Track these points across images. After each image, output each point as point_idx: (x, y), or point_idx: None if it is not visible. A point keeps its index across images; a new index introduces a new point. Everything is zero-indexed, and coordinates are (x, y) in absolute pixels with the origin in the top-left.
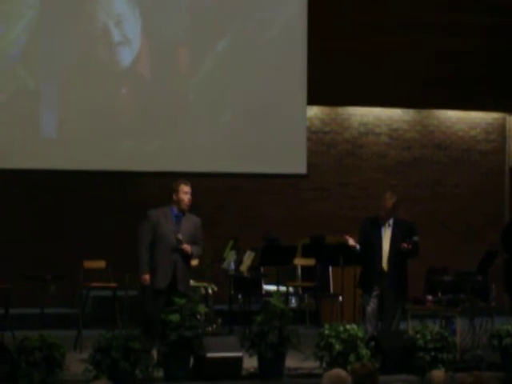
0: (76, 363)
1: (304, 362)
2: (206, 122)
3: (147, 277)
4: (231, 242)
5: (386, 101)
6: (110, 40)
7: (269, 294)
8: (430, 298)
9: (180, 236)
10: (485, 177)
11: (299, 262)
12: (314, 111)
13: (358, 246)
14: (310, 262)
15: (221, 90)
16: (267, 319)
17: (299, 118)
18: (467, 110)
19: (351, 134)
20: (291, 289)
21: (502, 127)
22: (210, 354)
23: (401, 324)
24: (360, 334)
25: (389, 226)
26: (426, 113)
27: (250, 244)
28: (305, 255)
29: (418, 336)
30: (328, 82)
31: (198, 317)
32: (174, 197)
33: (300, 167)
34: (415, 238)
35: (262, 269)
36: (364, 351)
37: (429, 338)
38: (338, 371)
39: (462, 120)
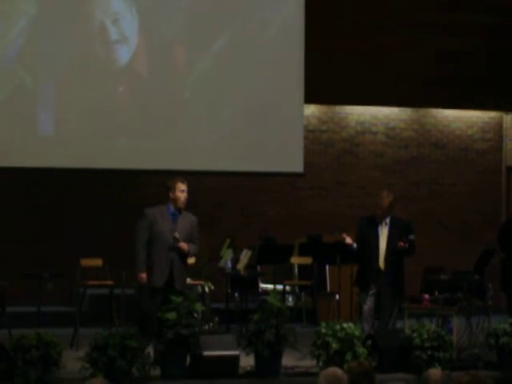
0: (73, 361)
1: (301, 361)
2: (203, 120)
3: (144, 275)
4: (228, 241)
5: (386, 100)
6: (107, 38)
7: (265, 292)
8: (426, 296)
9: (177, 234)
10: (482, 176)
11: (296, 260)
12: (311, 110)
13: (354, 245)
14: (307, 260)
15: (218, 88)
16: (264, 318)
17: (296, 116)
18: (467, 110)
19: (348, 133)
20: (288, 287)
21: (499, 126)
22: (206, 353)
23: (397, 323)
24: (357, 333)
25: (386, 224)
26: (423, 112)
27: (247, 242)
28: (302, 254)
29: (415, 335)
30: (327, 81)
31: (195, 315)
32: (171, 195)
33: (297, 166)
34: (411, 237)
35: (258, 267)
36: (361, 350)
37: (425, 336)
38: (335, 370)
39: (459, 119)
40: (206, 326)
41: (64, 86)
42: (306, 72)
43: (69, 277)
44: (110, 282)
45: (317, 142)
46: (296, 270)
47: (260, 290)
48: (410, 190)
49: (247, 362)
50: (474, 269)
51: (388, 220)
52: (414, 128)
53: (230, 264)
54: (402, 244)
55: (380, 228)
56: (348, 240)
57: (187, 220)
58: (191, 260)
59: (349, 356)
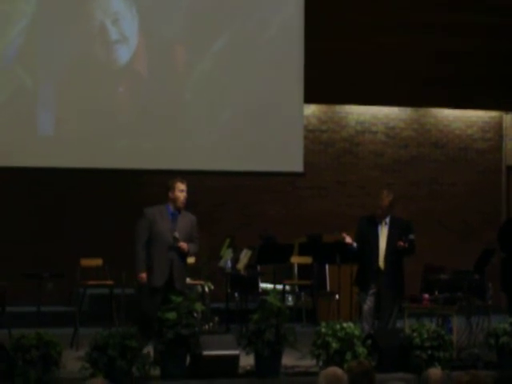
0: (73, 361)
1: (300, 360)
2: (203, 120)
3: (144, 275)
4: (228, 241)
5: (386, 100)
6: (107, 38)
7: (265, 292)
8: (426, 296)
9: (176, 234)
10: (482, 175)
11: (296, 260)
12: (311, 109)
13: (354, 244)
14: (307, 260)
15: (218, 88)
16: (264, 317)
17: (296, 116)
18: (467, 110)
19: (348, 133)
20: (288, 287)
21: (499, 126)
22: (206, 352)
23: (397, 322)
24: (357, 333)
25: (385, 224)
26: (422, 111)
27: (247, 242)
28: (301, 253)
29: (415, 334)
30: (327, 81)
31: (195, 315)
32: (170, 195)
33: (297, 165)
34: (411, 237)
35: (258, 267)
36: (360, 349)
37: (425, 336)
38: (335, 369)
39: (459, 118)
40: (206, 326)
41: (64, 86)
42: (305, 72)
43: (69, 277)
44: (110, 282)
45: (317, 142)
46: (296, 269)
47: (260, 290)
48: (409, 190)
49: (247, 361)
50: (474, 268)
51: (388, 220)
52: (414, 128)
53: (229, 264)
54: (401, 244)
55: (380, 228)
56: (348, 239)
57: (187, 219)
58: (191, 259)
59: (349, 356)
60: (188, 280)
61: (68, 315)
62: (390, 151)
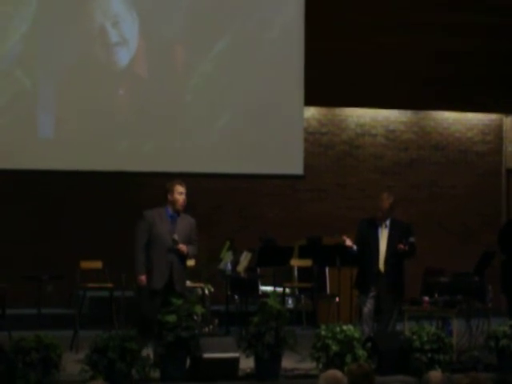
0: (72, 364)
1: (300, 363)
2: (203, 122)
3: (143, 277)
4: (227, 243)
5: (386, 101)
6: (107, 40)
7: (265, 294)
8: (426, 299)
9: (176, 236)
10: (481, 178)
11: (296, 262)
12: (311, 112)
13: (354, 247)
14: (307, 262)
15: (218, 90)
16: (264, 320)
17: (296, 118)
18: (467, 111)
19: (348, 135)
20: (288, 290)
21: (499, 128)
22: (206, 355)
23: (397, 325)
24: (356, 335)
25: (386, 226)
26: (422, 114)
27: (246, 245)
28: (301, 256)
29: (415, 337)
30: (327, 83)
31: (195, 317)
32: (169, 197)
33: (297, 168)
34: (411, 239)
35: (258, 269)
36: (360, 352)
37: (425, 339)
38: (335, 372)
39: (459, 121)
40: (206, 329)
41: (64, 89)
42: (305, 73)
43: (69, 279)
44: (109, 285)
45: (317, 145)
46: (296, 272)
47: (260, 293)
48: (409, 192)
49: (247, 364)
50: (473, 271)
51: (388, 222)
52: (414, 130)
53: (229, 266)
54: (401, 246)
55: (380, 230)
56: (348, 242)
57: (186, 222)
58: (190, 262)
59: (349, 358)
60: (188, 282)
61: (68, 318)
62: (390, 154)
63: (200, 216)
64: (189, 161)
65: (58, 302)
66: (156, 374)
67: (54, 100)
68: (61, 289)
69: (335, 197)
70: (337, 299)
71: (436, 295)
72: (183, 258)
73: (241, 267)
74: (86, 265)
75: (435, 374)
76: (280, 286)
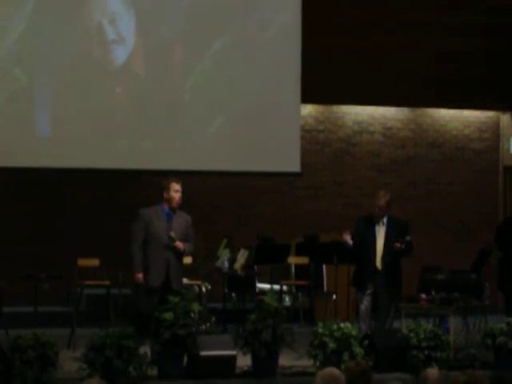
0: (70, 361)
1: (298, 361)
2: (200, 120)
3: (141, 275)
4: (225, 241)
5: (385, 100)
6: (104, 38)
7: (263, 292)
8: (423, 296)
9: (172, 234)
10: (479, 175)
11: (293, 260)
12: (307, 110)
13: (350, 242)
14: (304, 260)
15: (215, 89)
16: (261, 318)
17: (293, 116)
18: (466, 110)
19: (345, 133)
20: (285, 287)
21: (496, 126)
22: (203, 353)
23: (394, 322)
24: (354, 333)
25: (383, 224)
26: (419, 111)
27: (244, 242)
28: (298, 254)
29: (412, 334)
30: (324, 80)
31: (192, 315)
32: (165, 195)
33: (294, 165)
34: (408, 238)
35: (255, 267)
36: (358, 350)
37: (422, 336)
38: (332, 370)
39: (456, 118)
40: (203, 326)
41: (61, 87)
42: (303, 71)
43: (66, 277)
44: (107, 282)
45: (314, 142)
46: (293, 269)
47: (257, 290)
48: (406, 190)
49: (244, 361)
50: (471, 268)
51: (385, 220)
52: (411, 128)
53: (227, 264)
54: (398, 245)
55: (377, 228)
56: (347, 238)
57: (182, 219)
58: (187, 260)
59: (346, 356)
60: (185, 280)
61: (65, 315)
62: (387, 151)
63: (197, 214)
64: (186, 159)
65: (55, 300)
66: (153, 371)
67: (52, 98)
68: (58, 287)
69: (332, 194)
70: (334, 297)
71: (433, 293)
72: (180, 255)
73: (238, 265)
74: (83, 263)
75: (432, 372)
76: (277, 283)
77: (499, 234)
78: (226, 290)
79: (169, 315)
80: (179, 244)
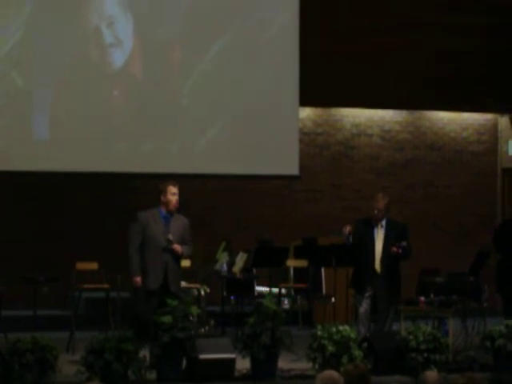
0: (68, 365)
1: (296, 363)
2: (198, 123)
3: (139, 279)
4: (223, 244)
5: (386, 102)
6: (101, 42)
7: (261, 295)
8: (422, 299)
9: (170, 236)
10: (477, 178)
11: (291, 263)
12: (306, 113)
13: (346, 232)
14: (303, 263)
15: (213, 92)
16: (260, 321)
17: (292, 119)
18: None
19: (344, 136)
20: (284, 290)
21: (494, 128)
22: (202, 356)
23: (393, 325)
24: (352, 335)
25: (382, 227)
26: (418, 114)
27: (243, 245)
28: (297, 256)
29: (411, 337)
30: (323, 83)
31: (191, 318)
32: (162, 198)
33: (292, 168)
34: (404, 243)
35: (254, 270)
36: (357, 352)
37: (421, 339)
38: (331, 372)
39: (454, 121)
40: (202, 329)
41: (59, 90)
42: (301, 74)
43: (64, 280)
44: (105, 286)
45: (312, 145)
46: (292, 272)
47: (256, 293)
48: (405, 193)
49: (243, 364)
50: (469, 271)
51: (384, 222)
52: (410, 130)
53: (225, 267)
54: (394, 249)
55: (376, 230)
56: (344, 230)
57: (179, 222)
58: (186, 263)
59: (345, 359)
60: (184, 283)
61: (64, 319)
62: (386, 154)
63: (195, 217)
64: (184, 162)
65: (53, 304)
66: (152, 375)
67: (50, 101)
68: (57, 290)
69: (330, 197)
70: (333, 299)
71: (432, 295)
72: (178, 258)
73: (236, 268)
74: (81, 266)
75: (431, 374)
76: (276, 286)
77: (497, 236)
78: (225, 293)
79: (167, 318)
80: (177, 247)
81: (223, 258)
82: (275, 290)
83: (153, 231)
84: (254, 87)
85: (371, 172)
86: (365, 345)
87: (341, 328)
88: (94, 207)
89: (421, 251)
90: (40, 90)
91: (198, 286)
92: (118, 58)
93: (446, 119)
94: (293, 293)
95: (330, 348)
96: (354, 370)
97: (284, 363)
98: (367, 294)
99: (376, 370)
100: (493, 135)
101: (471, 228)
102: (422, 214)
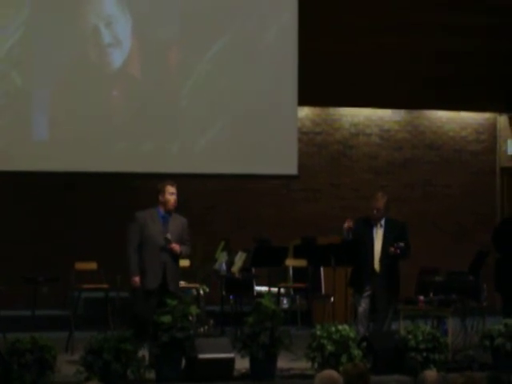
0: (67, 365)
1: (295, 363)
2: (197, 123)
3: (137, 279)
4: (222, 243)
5: (385, 102)
6: (100, 41)
7: (260, 295)
8: (421, 298)
9: (169, 235)
10: (476, 177)
11: (290, 262)
12: (304, 112)
13: (346, 226)
14: (302, 262)
15: (211, 92)
16: (259, 320)
17: (290, 118)
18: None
19: (342, 135)
20: (283, 290)
21: (493, 127)
22: (201, 355)
23: (392, 324)
24: (352, 335)
25: (381, 226)
26: (416, 113)
27: (242, 245)
28: (296, 256)
29: (410, 336)
30: (322, 83)
31: (190, 318)
32: (160, 198)
33: (291, 168)
34: (401, 244)
35: (253, 270)
36: (356, 352)
37: (420, 338)
38: (330, 372)
39: (453, 120)
40: (201, 329)
41: (58, 90)
42: (300, 73)
43: (64, 280)
44: (104, 286)
45: (311, 144)
46: (291, 272)
47: (255, 293)
48: (403, 192)
49: (242, 364)
50: (468, 270)
51: (383, 222)
52: (408, 130)
53: (224, 267)
54: (392, 250)
55: (375, 230)
56: (347, 224)
57: (178, 222)
58: (185, 262)
59: (344, 358)
60: (183, 283)
61: (63, 319)
62: (384, 153)
63: (194, 216)
64: (183, 162)
65: (53, 304)
66: (151, 374)
67: (49, 101)
68: (56, 290)
69: (329, 197)
70: (332, 299)
71: (431, 294)
72: (176, 257)
73: (235, 267)
74: (80, 266)
75: (430, 374)
76: (275, 286)
77: (496, 235)
78: (224, 293)
79: (167, 318)
80: (175, 246)
81: (222, 258)
82: (274, 289)
83: (151, 231)
84: (254, 87)
85: (370, 171)
86: (364, 344)
87: (340, 327)
88: (93, 207)
89: (420, 250)
90: (39, 90)
91: (197, 285)
92: (117, 58)
93: (445, 118)
94: (292, 292)
95: (329, 347)
96: (353, 370)
97: (283, 363)
98: (366, 294)
99: (375, 370)
100: (492, 134)
101: (470, 227)
102: (421, 213)
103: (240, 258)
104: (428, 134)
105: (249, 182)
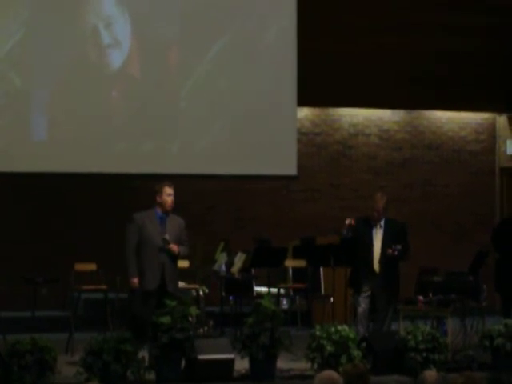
0: (67, 366)
1: (295, 364)
2: (196, 124)
3: (136, 280)
4: (222, 244)
5: (384, 102)
6: (99, 42)
7: (260, 295)
8: (421, 298)
9: (167, 236)
10: (475, 177)
11: (290, 263)
12: (304, 113)
13: (347, 222)
14: (301, 263)
15: (211, 92)
16: (258, 321)
17: (290, 119)
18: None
19: (341, 136)
20: (282, 290)
21: (492, 127)
22: (201, 356)
23: (392, 325)
24: (351, 335)
25: (380, 226)
26: (416, 113)
27: (241, 246)
28: (296, 257)
29: (410, 337)
30: (321, 83)
31: (190, 319)
32: (158, 199)
33: (290, 168)
34: (398, 247)
35: (253, 270)
36: (355, 352)
37: (420, 338)
38: (330, 372)
39: (452, 120)
40: (201, 330)
41: (57, 91)
42: (300, 74)
43: (63, 281)
44: (104, 287)
45: (310, 145)
46: (290, 272)
47: (254, 294)
48: (403, 192)
49: (242, 365)
50: (468, 270)
51: (383, 222)
52: (407, 130)
53: (224, 267)
54: (390, 251)
55: (374, 230)
56: (349, 221)
57: (175, 223)
58: (184, 263)
59: (344, 358)
60: (182, 284)
61: (63, 320)
62: (384, 154)
63: (194, 217)
64: (182, 163)
65: (52, 305)
66: (151, 375)
67: (48, 102)
68: (55, 291)
69: (329, 197)
70: (331, 299)
71: (430, 294)
72: (175, 258)
73: (235, 268)
74: (80, 267)
75: (430, 374)
76: (274, 286)
77: (496, 235)
78: (224, 294)
79: (166, 319)
80: (173, 246)
81: (222, 259)
82: (274, 290)
83: (149, 232)
84: (254, 87)
85: (369, 171)
86: (364, 344)
87: (339, 328)
88: (93, 208)
89: (419, 250)
90: (39, 91)
91: (196, 286)
92: (117, 58)
93: (444, 118)
94: (291, 293)
95: (329, 348)
96: (352, 370)
97: (283, 363)
98: (366, 294)
99: (375, 370)
100: (491, 134)
101: (469, 227)
102: (420, 213)
103: (239, 259)
104: (427, 134)
105: (248, 182)
